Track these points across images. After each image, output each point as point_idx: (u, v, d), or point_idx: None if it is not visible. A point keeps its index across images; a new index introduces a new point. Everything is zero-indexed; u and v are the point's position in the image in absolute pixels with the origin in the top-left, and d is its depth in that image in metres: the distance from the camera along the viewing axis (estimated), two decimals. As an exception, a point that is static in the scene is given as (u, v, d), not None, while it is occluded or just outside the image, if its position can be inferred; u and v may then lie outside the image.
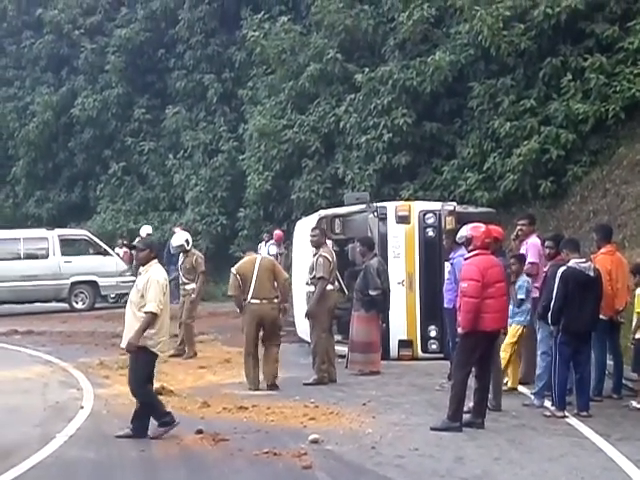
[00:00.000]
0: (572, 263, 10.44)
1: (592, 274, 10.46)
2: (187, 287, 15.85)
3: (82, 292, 24.91)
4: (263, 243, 21.78)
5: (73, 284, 24.60)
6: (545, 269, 11.58)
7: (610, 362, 11.60)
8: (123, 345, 9.74)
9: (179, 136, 28.60)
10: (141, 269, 10.01)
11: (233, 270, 12.83)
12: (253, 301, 12.54)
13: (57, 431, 9.91)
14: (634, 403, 10.91)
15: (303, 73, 23.70)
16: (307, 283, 13.68)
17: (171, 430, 9.63)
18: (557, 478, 8.04)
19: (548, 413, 10.45)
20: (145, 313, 9.40)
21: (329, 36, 23.70)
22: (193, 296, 15.71)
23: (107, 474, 8.52)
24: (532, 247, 12.36)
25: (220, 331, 18.91)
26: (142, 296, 9.51)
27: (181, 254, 16.18)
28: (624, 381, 11.74)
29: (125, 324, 9.72)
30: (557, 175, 19.53)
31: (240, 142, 26.92)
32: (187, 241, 16.03)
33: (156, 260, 9.96)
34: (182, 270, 15.95)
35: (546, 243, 11.74)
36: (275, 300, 12.64)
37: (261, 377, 12.71)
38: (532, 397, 11.12)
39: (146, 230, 21.87)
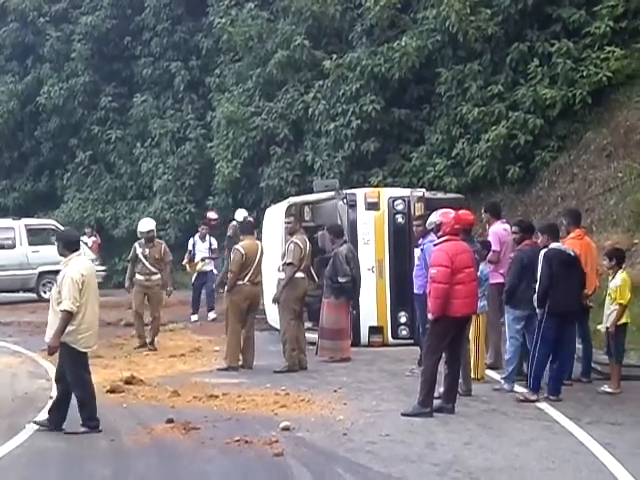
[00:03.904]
0: (554, 245, 10.53)
1: (573, 253, 10.58)
2: (153, 277, 15.39)
3: (50, 282, 24.59)
4: (197, 237, 19.62)
5: (41, 274, 24.40)
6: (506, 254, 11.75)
7: (579, 346, 11.67)
8: (46, 340, 9.52)
9: (146, 124, 28.37)
10: (61, 262, 9.67)
11: (241, 249, 13.05)
12: (248, 283, 12.99)
13: (26, 421, 9.82)
14: (606, 387, 10.99)
15: (271, 60, 23.59)
16: (279, 269, 13.67)
17: (88, 434, 9.34)
18: (528, 462, 8.08)
19: (521, 397, 10.47)
20: (61, 311, 9.19)
21: (296, 22, 23.61)
22: (170, 289, 15.57)
23: (77, 464, 8.46)
24: (492, 235, 12.52)
25: (190, 320, 18.84)
26: (59, 292, 9.32)
27: (140, 243, 15.59)
28: (593, 365, 11.83)
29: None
30: (525, 160, 19.62)
31: (208, 130, 26.77)
32: (155, 227, 15.77)
33: (77, 253, 9.58)
34: (148, 260, 15.38)
35: (512, 229, 11.83)
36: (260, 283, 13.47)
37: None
38: (502, 382, 11.16)
39: (242, 214, 20.51)
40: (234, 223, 20.20)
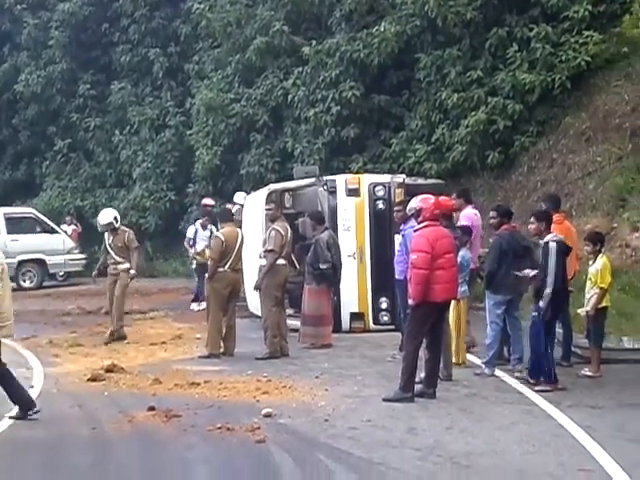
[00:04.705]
0: (554, 236, 10.43)
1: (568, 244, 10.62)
2: (120, 267, 14.98)
3: (30, 271, 24.66)
4: (199, 225, 19.07)
5: (20, 263, 24.28)
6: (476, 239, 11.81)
7: (559, 330, 11.72)
8: None
9: (125, 112, 28.24)
10: None
11: (221, 237, 13.12)
12: (229, 270, 13.07)
13: (6, 411, 9.76)
14: (586, 371, 11.04)
15: (250, 46, 23.50)
16: (260, 256, 13.65)
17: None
18: (508, 446, 8.11)
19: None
20: None
21: (275, 8, 23.50)
22: (132, 272, 15.05)
23: (58, 453, 8.44)
24: (464, 219, 12.58)
25: (171, 307, 18.82)
26: None
27: (107, 232, 15.23)
28: (573, 349, 11.88)
29: None
30: (504, 146, 19.66)
31: (187, 117, 26.68)
32: (116, 218, 15.22)
33: None
34: (113, 249, 15.05)
35: (490, 214, 11.83)
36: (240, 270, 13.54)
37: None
38: (483, 366, 11.20)
39: (242, 196, 19.51)
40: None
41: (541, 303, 10.27)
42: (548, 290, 10.22)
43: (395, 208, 13.24)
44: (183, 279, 23.98)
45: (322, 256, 13.50)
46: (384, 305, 14.91)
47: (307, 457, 8.01)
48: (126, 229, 15.51)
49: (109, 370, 11.82)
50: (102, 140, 29.27)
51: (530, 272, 10.60)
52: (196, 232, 19.01)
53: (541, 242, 10.58)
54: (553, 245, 10.31)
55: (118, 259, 15.05)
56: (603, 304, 11.08)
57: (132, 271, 15.12)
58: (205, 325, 13.61)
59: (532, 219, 10.80)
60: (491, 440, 8.30)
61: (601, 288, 10.96)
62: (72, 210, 28.51)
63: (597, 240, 11.25)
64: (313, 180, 15.65)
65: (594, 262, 11.11)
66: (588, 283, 11.11)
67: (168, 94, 27.93)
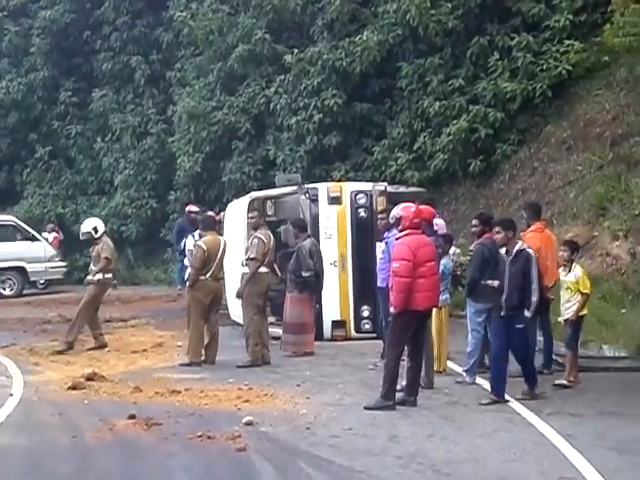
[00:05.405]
0: (523, 245, 10.39)
1: None
2: (94, 277, 14.86)
3: (10, 278, 24.53)
4: (197, 236, 17.37)
5: (0, 270, 24.18)
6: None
7: (540, 338, 11.74)
8: None
9: (107, 119, 28.21)
10: None
11: (203, 245, 13.12)
12: (210, 279, 13.09)
13: (-14, 420, 9.75)
14: (561, 380, 11.03)
15: (232, 54, 23.53)
16: (242, 264, 13.64)
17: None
18: (489, 454, 8.12)
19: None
20: None
21: (257, 16, 23.54)
22: (89, 278, 14.89)
23: (39, 461, 8.39)
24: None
25: (152, 315, 18.76)
26: None
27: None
28: (554, 357, 11.90)
29: None
30: (486, 154, 19.74)
31: (169, 124, 26.66)
32: (95, 228, 15.07)
33: None
34: (91, 259, 15.19)
35: (473, 222, 11.83)
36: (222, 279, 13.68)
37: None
38: (464, 374, 11.20)
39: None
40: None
41: (527, 313, 10.20)
42: (535, 298, 10.17)
43: (379, 216, 13.26)
44: (165, 287, 23.96)
45: (304, 264, 13.50)
46: (366, 313, 14.91)
47: (288, 465, 7.98)
48: (105, 239, 15.17)
49: (90, 378, 11.77)
50: (83, 147, 29.23)
51: (494, 282, 10.45)
52: None
53: (504, 251, 10.46)
54: (532, 252, 10.30)
55: (93, 268, 15.02)
56: (584, 312, 11.10)
57: (89, 277, 14.96)
58: (186, 333, 13.58)
59: (498, 229, 10.43)
60: (472, 448, 8.31)
61: (584, 294, 10.97)
62: (53, 218, 28.42)
63: (574, 248, 11.27)
64: (295, 188, 15.66)
65: (569, 271, 11.06)
66: (566, 292, 11.05)
67: (150, 101, 27.91)
